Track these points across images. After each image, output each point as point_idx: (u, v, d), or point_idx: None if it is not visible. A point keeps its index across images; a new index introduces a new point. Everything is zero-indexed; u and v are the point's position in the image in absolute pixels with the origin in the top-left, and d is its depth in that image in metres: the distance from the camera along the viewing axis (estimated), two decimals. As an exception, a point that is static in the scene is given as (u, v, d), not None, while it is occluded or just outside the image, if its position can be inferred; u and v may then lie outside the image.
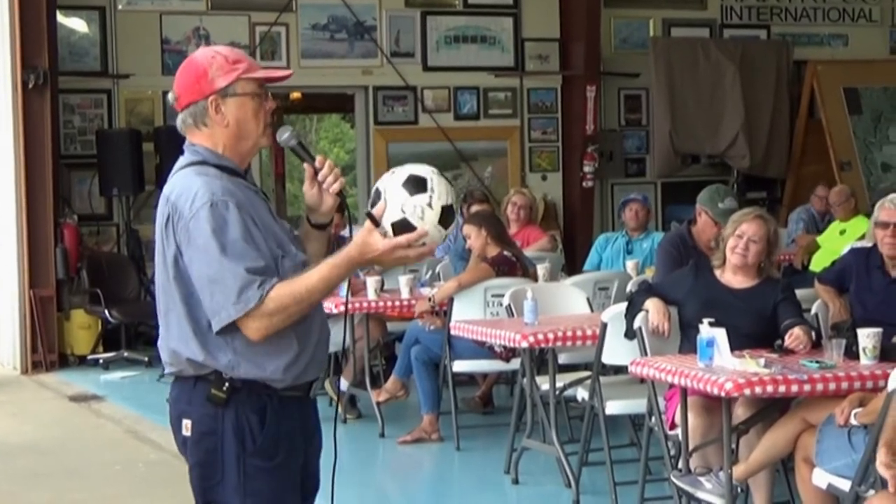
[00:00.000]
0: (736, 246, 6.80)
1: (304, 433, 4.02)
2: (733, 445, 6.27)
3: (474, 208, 11.20)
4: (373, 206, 3.80)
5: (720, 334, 6.15)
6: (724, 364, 6.09)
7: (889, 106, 16.15)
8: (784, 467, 6.73)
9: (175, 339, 3.94)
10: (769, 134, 15.87)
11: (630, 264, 10.23)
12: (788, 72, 16.11)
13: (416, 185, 3.76)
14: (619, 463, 7.60)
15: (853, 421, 5.72)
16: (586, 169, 15.30)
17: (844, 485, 5.65)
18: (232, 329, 3.81)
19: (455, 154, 15.13)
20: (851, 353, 6.26)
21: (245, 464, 3.88)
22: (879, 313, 6.56)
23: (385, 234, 3.75)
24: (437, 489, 8.69)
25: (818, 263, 11.39)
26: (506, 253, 9.48)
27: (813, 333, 6.60)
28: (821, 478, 5.84)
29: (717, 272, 6.93)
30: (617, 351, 7.30)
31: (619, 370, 7.99)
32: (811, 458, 5.94)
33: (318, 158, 4.00)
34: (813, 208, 12.99)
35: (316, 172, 4.00)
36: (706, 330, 6.19)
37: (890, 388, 5.18)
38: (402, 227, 3.74)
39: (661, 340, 6.92)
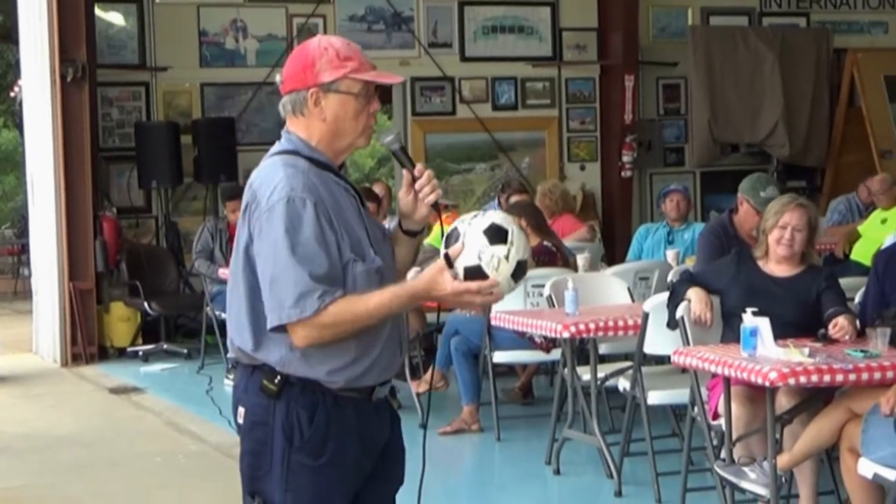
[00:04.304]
0: (781, 237, 6.74)
1: (361, 438, 3.90)
2: (777, 435, 6.21)
3: (514, 199, 11.15)
4: (447, 245, 3.75)
5: (764, 323, 6.10)
6: (767, 353, 6.04)
7: (930, 94, 16.04)
8: (828, 457, 6.68)
9: (233, 327, 3.89)
10: (809, 122, 15.78)
11: (670, 254, 10.17)
12: (828, 60, 16.00)
13: (497, 235, 3.71)
14: (660, 453, 7.57)
15: (899, 410, 5.67)
16: (625, 159, 15.25)
17: (891, 474, 5.60)
18: (284, 328, 3.76)
19: (493, 145, 15.11)
20: (896, 342, 6.21)
21: (290, 459, 3.82)
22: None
23: (455, 276, 3.71)
24: (477, 480, 8.67)
25: (859, 253, 11.32)
26: (546, 243, 9.44)
27: (857, 322, 6.54)
28: (866, 467, 5.78)
29: (760, 262, 6.88)
30: (658, 341, 7.27)
31: (661, 360, 7.96)
32: (856, 447, 5.89)
33: (418, 167, 3.94)
34: (858, 198, 12.87)
35: (414, 180, 3.94)
36: (749, 319, 6.14)
37: (937, 376, 5.12)
38: (474, 273, 3.70)
39: (703, 330, 6.87)
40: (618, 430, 8.14)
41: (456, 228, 3.76)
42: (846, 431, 6.04)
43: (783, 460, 6.20)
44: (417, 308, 10.02)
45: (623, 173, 15.32)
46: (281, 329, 3.75)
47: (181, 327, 13.60)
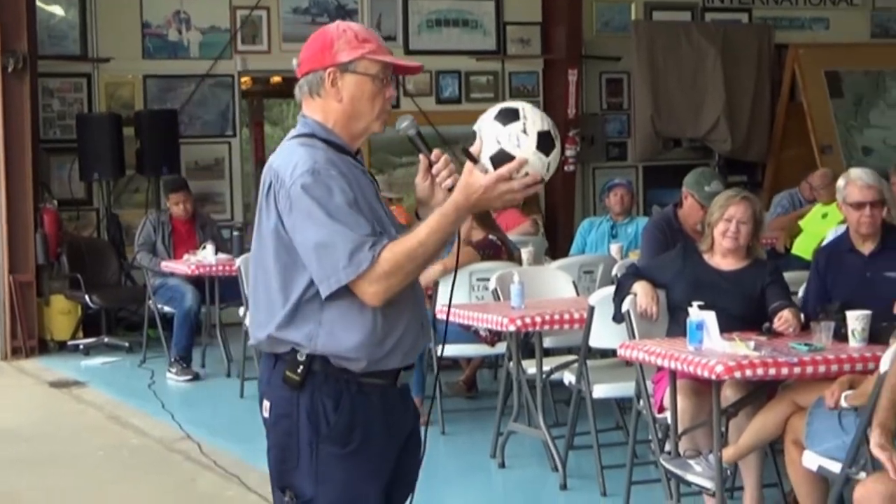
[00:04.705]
0: (726, 230, 6.79)
1: (387, 426, 3.85)
2: (723, 428, 6.25)
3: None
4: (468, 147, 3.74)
5: (710, 317, 6.14)
6: (713, 347, 6.07)
7: (870, 89, 16.16)
8: (772, 450, 6.72)
9: (262, 312, 3.83)
10: (750, 118, 15.86)
11: (614, 248, 10.20)
12: (770, 55, 16.09)
13: (508, 115, 3.68)
14: (605, 446, 7.60)
15: (843, 403, 5.70)
16: (568, 153, 15.27)
17: (835, 467, 5.64)
18: (331, 298, 3.69)
19: (437, 138, 15.08)
20: (840, 335, 6.25)
21: (318, 449, 3.77)
22: (861, 297, 6.52)
23: (486, 171, 3.66)
24: (422, 473, 8.60)
25: (800, 247, 11.39)
26: (491, 237, 9.44)
27: (802, 316, 6.58)
28: (811, 460, 5.82)
29: (706, 256, 6.92)
30: (604, 334, 7.29)
31: (605, 354, 7.98)
32: (801, 440, 5.93)
33: (435, 152, 3.88)
34: (800, 194, 12.95)
35: (430, 165, 3.88)
36: (696, 313, 6.17)
37: (882, 369, 5.17)
38: (500, 158, 3.64)
39: (649, 323, 6.90)
40: (563, 424, 8.15)
41: (473, 130, 3.72)
42: (791, 424, 6.08)
43: (728, 453, 6.24)
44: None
45: (566, 167, 15.33)
46: (321, 303, 3.70)
47: (122, 320, 13.51)
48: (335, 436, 3.77)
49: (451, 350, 9.20)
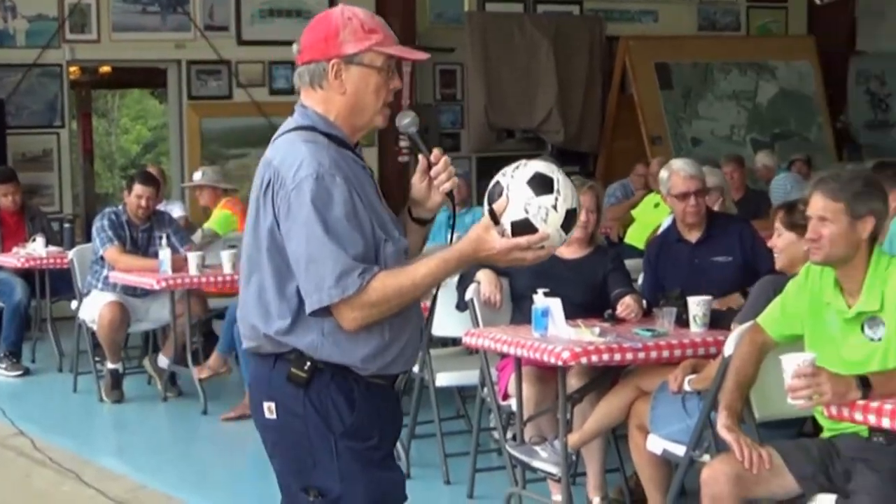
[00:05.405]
0: (574, 220, 6.81)
1: (393, 421, 3.81)
2: (568, 415, 6.29)
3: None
4: (491, 201, 3.58)
5: (555, 304, 6.16)
6: (559, 334, 6.09)
7: (698, 81, 16.45)
8: (614, 435, 6.78)
9: (255, 313, 3.67)
10: (582, 109, 16.04)
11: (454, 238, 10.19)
12: (601, 48, 16.29)
13: (543, 184, 3.53)
14: (448, 435, 7.60)
15: (687, 387, 5.79)
16: (401, 143, 15.26)
17: (679, 450, 5.70)
18: (325, 312, 3.56)
19: (270, 129, 14.85)
20: (682, 321, 6.33)
21: (337, 446, 3.65)
22: (693, 284, 6.62)
23: (503, 233, 3.53)
24: (263, 465, 8.43)
25: (633, 236, 11.55)
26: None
27: (644, 302, 6.66)
28: (655, 444, 5.89)
29: (552, 245, 6.94)
30: (447, 323, 7.28)
31: (447, 342, 7.98)
32: (645, 424, 5.99)
33: (435, 153, 3.77)
34: (631, 184, 13.15)
35: (430, 166, 3.77)
36: (541, 300, 6.19)
37: (726, 353, 5.24)
38: (523, 227, 3.52)
39: (492, 311, 6.91)
40: (405, 413, 8.12)
41: (498, 182, 3.58)
42: (635, 409, 6.15)
43: (574, 439, 6.28)
44: (199, 293, 9.91)
45: (400, 158, 15.33)
46: (318, 313, 3.56)
47: None
48: (354, 432, 3.65)
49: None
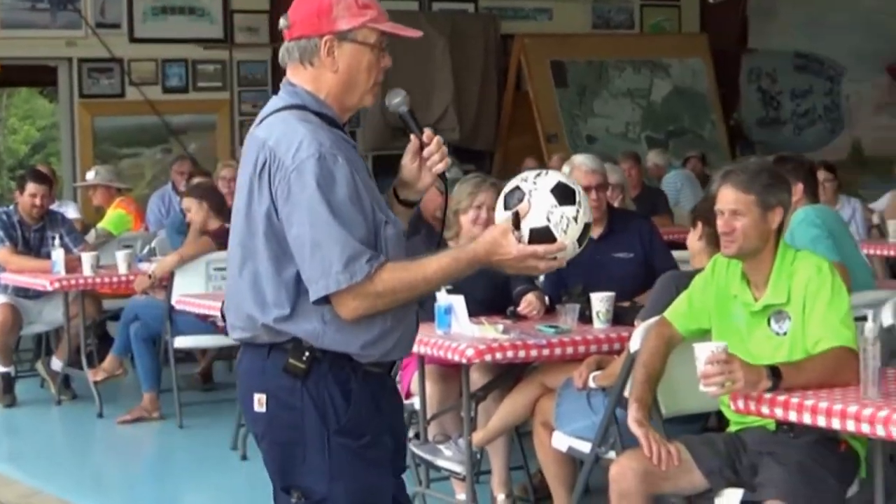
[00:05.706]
0: (477, 217, 6.76)
1: (392, 417, 3.66)
2: (472, 413, 6.25)
3: (195, 180, 10.90)
4: (507, 206, 3.51)
5: (458, 301, 6.12)
6: (462, 331, 6.06)
7: (593, 79, 16.50)
8: (517, 432, 6.76)
9: (251, 301, 3.52)
10: (478, 107, 16.01)
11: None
12: (496, 45, 16.26)
13: (566, 194, 3.47)
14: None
15: (592, 384, 5.78)
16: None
17: (584, 446, 5.69)
18: (325, 299, 3.43)
19: (163, 127, 14.78)
20: (585, 317, 6.32)
21: (330, 442, 3.48)
22: (595, 281, 6.61)
23: (520, 239, 3.46)
24: (161, 468, 8.45)
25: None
26: (227, 226, 9.25)
27: (547, 299, 6.64)
28: (560, 440, 5.87)
29: (452, 243, 6.89)
30: (348, 322, 7.20)
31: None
32: (550, 421, 5.98)
33: (427, 132, 3.68)
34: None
35: (422, 147, 3.68)
36: (443, 297, 6.15)
37: (633, 348, 5.22)
38: (542, 235, 3.45)
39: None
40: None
41: (518, 188, 3.51)
42: (539, 406, 6.13)
43: (478, 437, 6.25)
44: (93, 294, 9.76)
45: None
46: (320, 300, 3.42)
47: None
48: (349, 428, 3.51)
49: (189, 341, 9.02)
